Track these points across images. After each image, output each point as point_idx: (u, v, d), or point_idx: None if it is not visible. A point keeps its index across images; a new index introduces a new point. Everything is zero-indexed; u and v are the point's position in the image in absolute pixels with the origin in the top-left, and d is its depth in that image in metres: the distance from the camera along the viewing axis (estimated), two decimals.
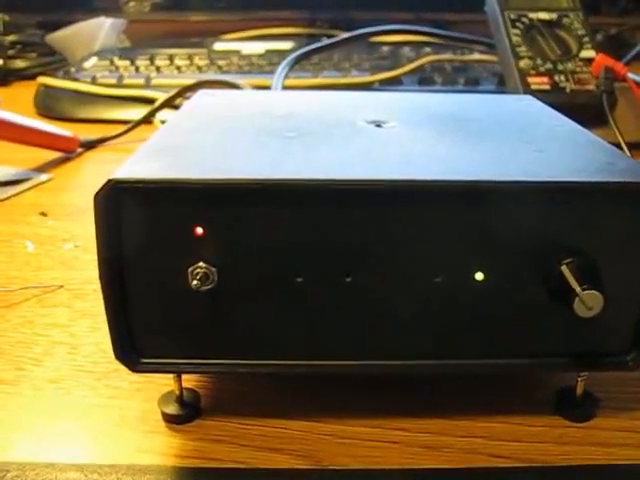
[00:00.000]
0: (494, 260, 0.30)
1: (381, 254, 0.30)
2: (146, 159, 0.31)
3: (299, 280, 0.30)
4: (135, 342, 0.31)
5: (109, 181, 0.28)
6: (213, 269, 0.29)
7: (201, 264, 0.29)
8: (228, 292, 0.30)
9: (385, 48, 0.97)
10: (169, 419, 0.33)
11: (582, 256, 0.30)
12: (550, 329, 0.31)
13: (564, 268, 0.29)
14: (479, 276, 0.30)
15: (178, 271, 0.29)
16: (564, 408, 0.34)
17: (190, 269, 0.29)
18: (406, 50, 0.95)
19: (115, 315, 0.30)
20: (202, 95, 0.44)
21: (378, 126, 0.37)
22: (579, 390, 0.33)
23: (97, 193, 0.28)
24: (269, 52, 0.94)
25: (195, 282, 0.29)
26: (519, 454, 0.31)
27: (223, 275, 0.29)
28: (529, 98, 0.46)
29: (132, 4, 1.14)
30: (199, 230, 0.29)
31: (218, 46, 1.00)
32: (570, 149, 0.34)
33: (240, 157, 0.32)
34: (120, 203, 0.29)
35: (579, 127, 0.38)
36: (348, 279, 0.30)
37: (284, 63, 0.73)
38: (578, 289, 0.28)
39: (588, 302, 0.29)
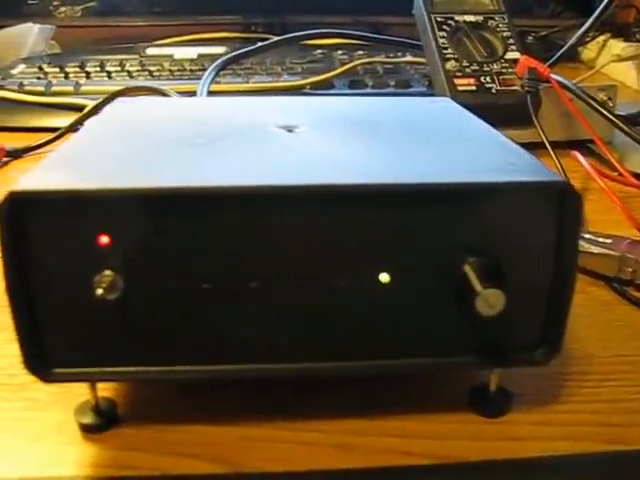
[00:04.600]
0: (398, 262, 0.31)
1: (285, 259, 0.30)
2: (51, 169, 0.31)
3: (205, 286, 0.30)
4: (46, 352, 0.31)
5: (10, 193, 0.28)
6: (119, 277, 0.29)
7: (107, 272, 0.29)
8: (136, 300, 0.30)
9: (318, 51, 0.97)
10: (85, 429, 0.33)
11: (485, 255, 0.30)
12: (459, 328, 0.32)
13: (466, 267, 0.30)
14: (384, 278, 0.30)
15: (85, 280, 0.29)
16: (478, 404, 0.34)
17: (96, 278, 0.29)
18: (339, 53, 0.96)
19: (23, 326, 0.30)
20: (118, 103, 0.44)
21: (289, 131, 0.37)
22: (492, 386, 0.34)
23: None
24: (201, 57, 0.93)
25: (100, 291, 0.28)
26: (433, 451, 0.32)
27: (130, 283, 0.29)
28: (446, 100, 0.47)
29: (63, 9, 1.12)
30: (104, 239, 0.29)
31: (151, 51, 0.99)
32: (475, 150, 0.35)
33: (145, 166, 0.32)
34: (23, 215, 0.28)
35: (489, 128, 0.39)
36: (253, 284, 0.30)
37: (210, 69, 0.73)
38: (479, 288, 0.29)
39: (489, 300, 0.29)
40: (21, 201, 0.28)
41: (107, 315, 0.30)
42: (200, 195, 0.29)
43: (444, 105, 0.45)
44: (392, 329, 0.32)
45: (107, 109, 0.43)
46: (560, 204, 0.30)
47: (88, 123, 0.40)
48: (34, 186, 0.29)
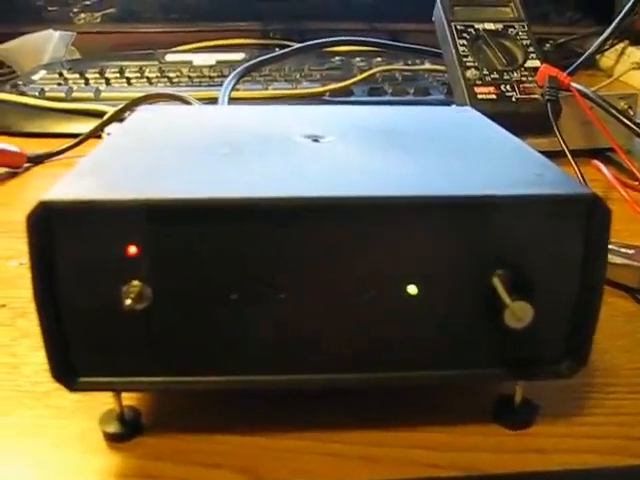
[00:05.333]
0: (426, 274, 0.30)
1: (314, 271, 0.30)
2: (79, 178, 0.31)
3: (234, 297, 0.30)
4: (72, 361, 0.31)
5: (40, 203, 0.28)
6: (148, 288, 0.29)
7: (135, 283, 0.29)
8: (163, 310, 0.30)
9: (337, 58, 0.97)
10: (110, 438, 0.33)
11: (513, 268, 0.30)
12: (485, 340, 0.32)
13: (495, 280, 0.30)
14: (412, 290, 0.30)
15: (112, 290, 0.29)
16: (502, 416, 0.34)
17: (124, 288, 0.29)
18: (358, 60, 0.96)
19: (50, 335, 0.30)
20: (142, 111, 0.44)
21: (315, 141, 0.37)
22: (517, 398, 0.34)
23: (29, 215, 0.28)
24: (220, 63, 0.94)
25: (129, 301, 0.29)
26: (457, 463, 0.32)
27: (158, 293, 0.29)
28: (469, 110, 0.47)
29: (83, 16, 1.13)
30: (132, 249, 0.29)
31: (170, 58, 1.00)
32: (501, 161, 0.35)
33: (172, 176, 0.32)
34: (51, 224, 0.28)
35: (513, 138, 0.39)
36: (282, 295, 0.30)
37: (230, 76, 0.73)
38: (507, 300, 0.29)
39: (518, 313, 0.29)
40: (50, 211, 0.28)
41: (134, 325, 0.30)
42: (229, 207, 0.29)
43: (468, 115, 0.45)
44: (418, 341, 0.32)
45: (132, 117, 0.43)
46: (589, 216, 0.30)
47: (114, 131, 0.40)
48: (63, 196, 0.29)
